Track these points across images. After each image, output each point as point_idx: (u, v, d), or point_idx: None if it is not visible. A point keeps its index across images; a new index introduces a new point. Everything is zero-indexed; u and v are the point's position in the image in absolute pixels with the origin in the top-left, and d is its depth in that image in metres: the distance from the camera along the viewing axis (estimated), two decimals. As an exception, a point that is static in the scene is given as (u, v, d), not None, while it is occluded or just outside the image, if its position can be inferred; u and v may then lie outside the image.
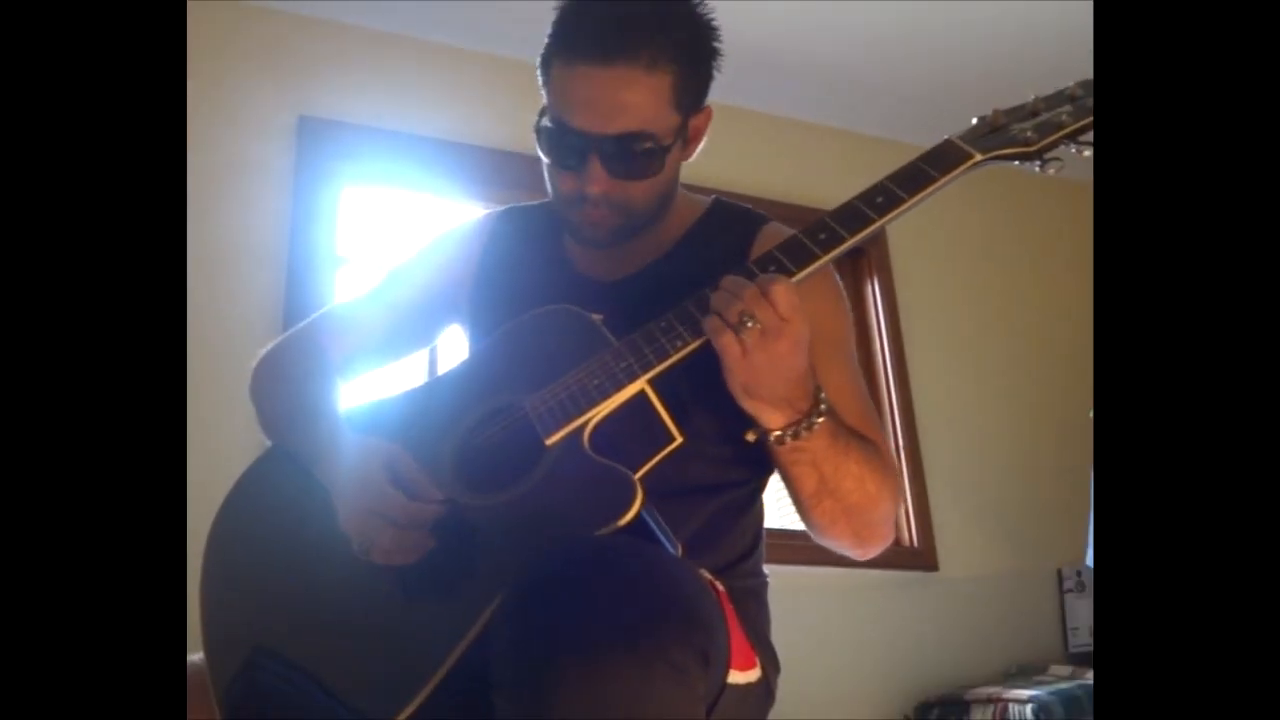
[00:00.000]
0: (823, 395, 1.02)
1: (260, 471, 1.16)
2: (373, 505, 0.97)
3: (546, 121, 1.12)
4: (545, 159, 1.14)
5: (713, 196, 1.28)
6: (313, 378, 1.19)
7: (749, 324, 0.95)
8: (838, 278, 1.23)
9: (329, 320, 1.28)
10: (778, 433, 1.02)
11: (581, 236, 1.17)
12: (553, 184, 1.16)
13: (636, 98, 1.06)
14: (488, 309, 1.24)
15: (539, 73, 1.14)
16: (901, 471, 3.11)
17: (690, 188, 1.27)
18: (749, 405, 1.01)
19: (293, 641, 1.01)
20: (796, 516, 1.13)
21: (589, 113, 1.07)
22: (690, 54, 1.10)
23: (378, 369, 1.30)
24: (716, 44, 1.13)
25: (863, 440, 1.08)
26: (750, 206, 1.28)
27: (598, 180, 1.09)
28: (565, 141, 1.10)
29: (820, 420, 1.01)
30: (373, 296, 1.30)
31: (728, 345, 0.97)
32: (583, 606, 0.77)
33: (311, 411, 1.13)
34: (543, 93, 1.14)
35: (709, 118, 1.18)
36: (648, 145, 1.09)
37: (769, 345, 0.96)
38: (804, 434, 1.01)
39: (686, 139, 1.16)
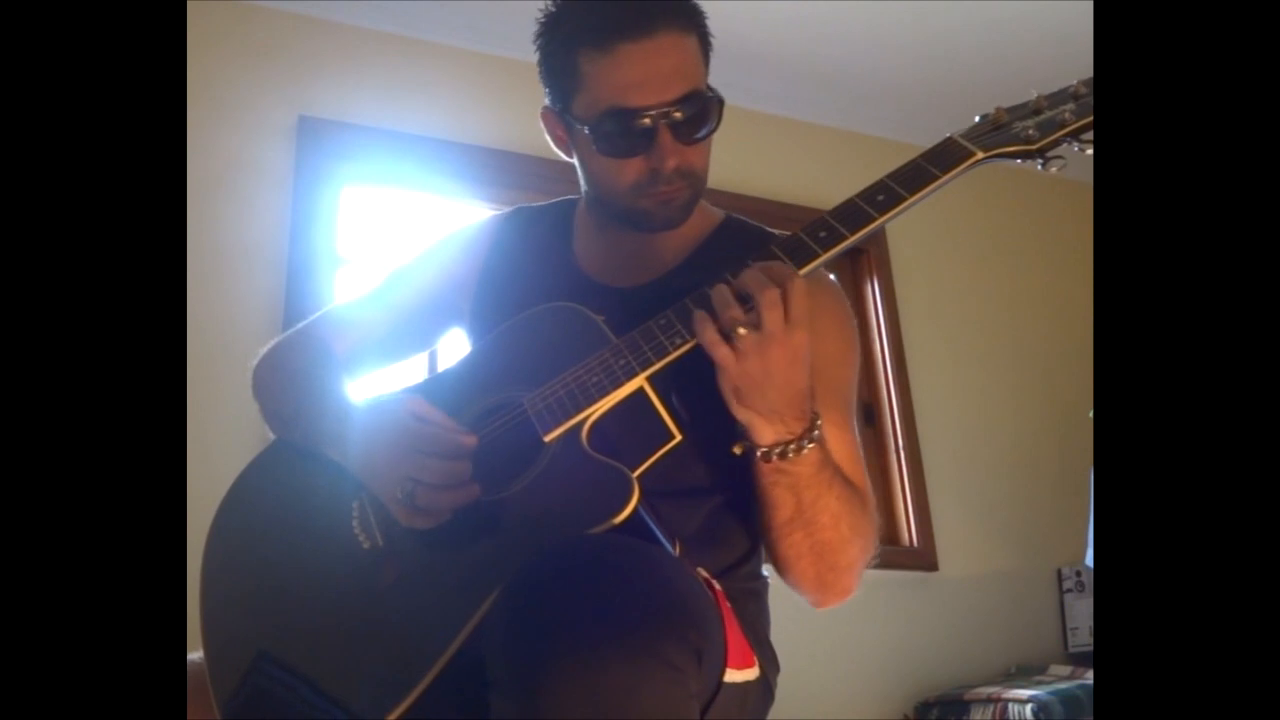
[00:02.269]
0: (818, 422, 1.00)
1: (259, 470, 1.15)
2: (411, 445, 0.97)
3: (592, 117, 1.09)
4: (599, 154, 1.11)
5: (725, 212, 1.27)
6: (317, 365, 1.19)
7: (740, 331, 0.94)
8: (854, 324, 1.21)
9: (330, 319, 1.28)
10: (765, 449, 0.99)
11: (654, 221, 1.14)
12: (611, 177, 1.12)
13: (683, 59, 1.08)
14: (491, 313, 1.23)
15: (551, 76, 1.12)
16: (901, 471, 3.11)
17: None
18: (740, 413, 0.99)
19: (292, 644, 1.01)
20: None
21: (648, 87, 1.06)
22: (699, 15, 1.12)
23: (377, 370, 1.30)
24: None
25: (848, 481, 1.06)
26: (763, 226, 1.25)
27: (672, 151, 1.08)
28: (629, 126, 1.08)
29: (811, 446, 0.99)
30: (374, 297, 1.29)
31: (722, 355, 0.96)
32: (576, 604, 0.77)
33: (319, 394, 1.13)
34: (560, 97, 1.12)
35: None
36: (702, 106, 1.09)
37: (767, 352, 0.95)
38: (791, 455, 0.99)
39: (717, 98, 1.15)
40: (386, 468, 0.99)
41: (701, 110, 1.09)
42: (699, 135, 1.10)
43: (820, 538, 1.04)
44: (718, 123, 1.12)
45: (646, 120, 1.07)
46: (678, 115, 1.07)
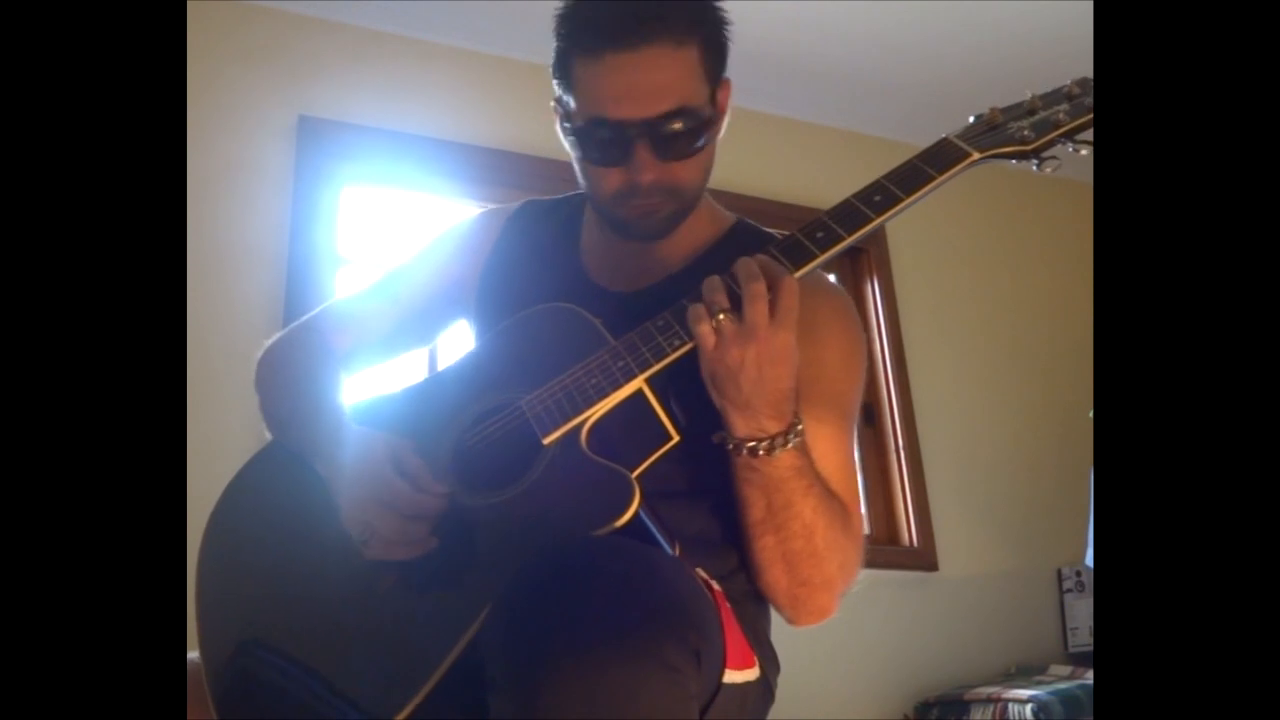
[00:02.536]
0: (799, 428, 1.00)
1: (258, 468, 1.15)
2: (377, 495, 0.97)
3: (580, 122, 1.09)
4: (584, 160, 1.11)
5: (736, 216, 1.26)
6: (315, 371, 1.18)
7: (720, 316, 0.95)
8: (862, 336, 1.19)
9: (332, 314, 1.28)
10: (735, 442, 1.00)
11: (634, 230, 1.14)
12: (595, 184, 1.13)
13: (671, 76, 1.05)
14: (492, 310, 1.22)
15: (555, 74, 1.12)
16: (901, 471, 3.11)
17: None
18: (715, 400, 1.00)
19: (289, 637, 1.01)
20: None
21: (629, 100, 1.05)
22: (709, 24, 1.09)
23: (379, 364, 1.29)
24: (725, 12, 1.12)
25: (831, 495, 1.05)
26: (773, 232, 1.22)
27: (649, 167, 1.07)
28: (607, 136, 1.07)
29: (785, 450, 0.99)
30: (375, 291, 1.29)
31: (704, 335, 0.97)
32: (574, 606, 0.77)
33: (314, 404, 1.13)
34: (561, 95, 1.12)
35: (729, 90, 1.15)
36: (693, 121, 1.07)
37: (745, 344, 0.95)
38: (762, 454, 0.99)
39: (717, 112, 1.13)
40: (354, 505, 0.99)
41: (688, 128, 1.07)
42: (683, 153, 1.08)
43: (791, 547, 1.03)
44: (708, 141, 1.09)
45: (626, 133, 1.06)
46: (659, 131, 1.06)
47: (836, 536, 1.04)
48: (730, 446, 1.01)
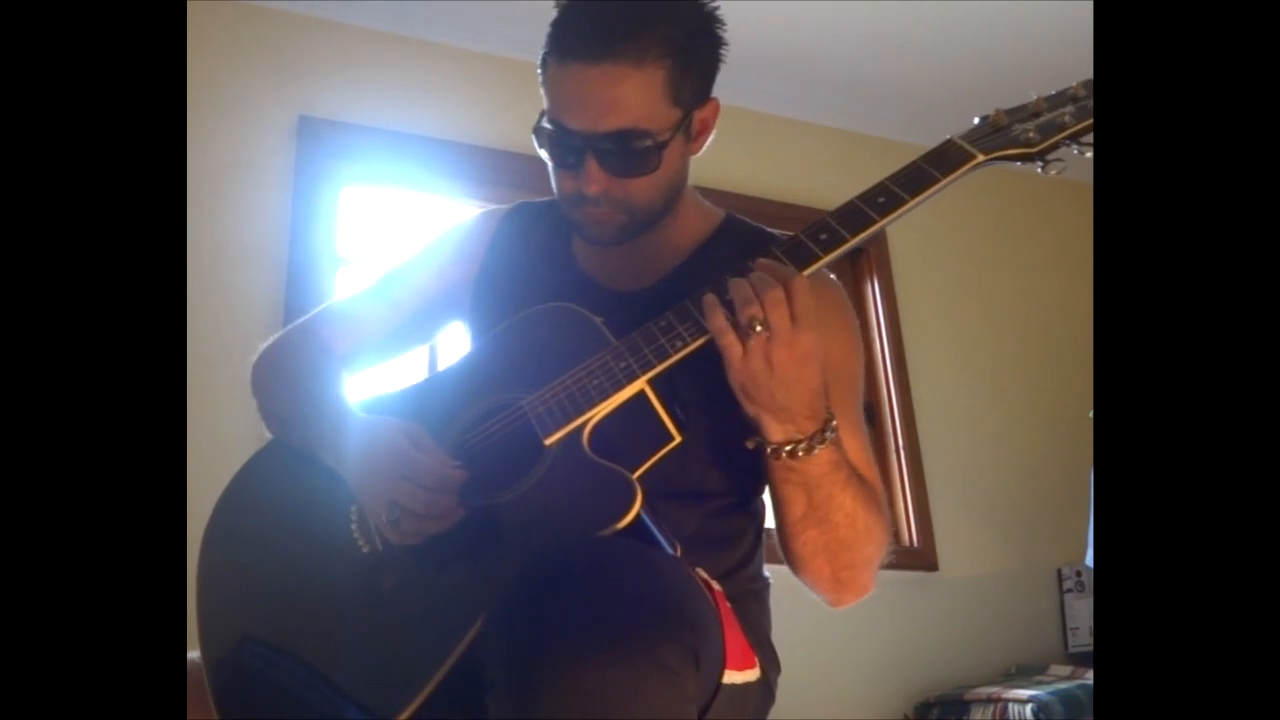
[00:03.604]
0: (833, 424, 1.00)
1: (256, 469, 1.15)
2: (400, 470, 0.96)
3: (545, 122, 1.10)
4: (546, 159, 1.13)
5: (725, 211, 1.26)
6: (316, 367, 1.18)
7: (756, 328, 0.94)
8: (855, 318, 1.21)
9: (330, 315, 1.28)
10: (774, 446, 1.00)
11: (587, 235, 1.16)
12: (555, 184, 1.14)
13: (627, 94, 1.04)
14: (490, 311, 1.22)
15: (539, 74, 1.13)
16: (901, 471, 3.11)
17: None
18: (749, 409, 0.99)
19: (291, 636, 1.01)
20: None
21: (581, 112, 1.06)
22: (685, 47, 1.07)
23: (378, 365, 1.29)
24: (719, 34, 1.11)
25: (862, 480, 1.06)
26: (763, 226, 1.24)
27: (595, 179, 1.08)
28: (562, 141, 1.09)
29: (823, 447, 0.99)
30: (373, 292, 1.29)
31: (730, 345, 0.96)
32: (572, 608, 0.77)
33: (318, 398, 1.13)
34: (542, 94, 1.13)
35: (716, 110, 1.15)
36: (644, 142, 1.06)
37: (772, 350, 0.95)
38: (801, 454, 0.99)
39: (692, 133, 1.13)
40: (376, 487, 0.98)
41: (639, 148, 1.06)
42: (632, 171, 1.08)
43: (835, 535, 1.04)
44: (656, 166, 1.08)
45: (577, 143, 1.07)
46: (606, 147, 1.06)
47: (873, 519, 1.06)
48: (769, 451, 1.01)
